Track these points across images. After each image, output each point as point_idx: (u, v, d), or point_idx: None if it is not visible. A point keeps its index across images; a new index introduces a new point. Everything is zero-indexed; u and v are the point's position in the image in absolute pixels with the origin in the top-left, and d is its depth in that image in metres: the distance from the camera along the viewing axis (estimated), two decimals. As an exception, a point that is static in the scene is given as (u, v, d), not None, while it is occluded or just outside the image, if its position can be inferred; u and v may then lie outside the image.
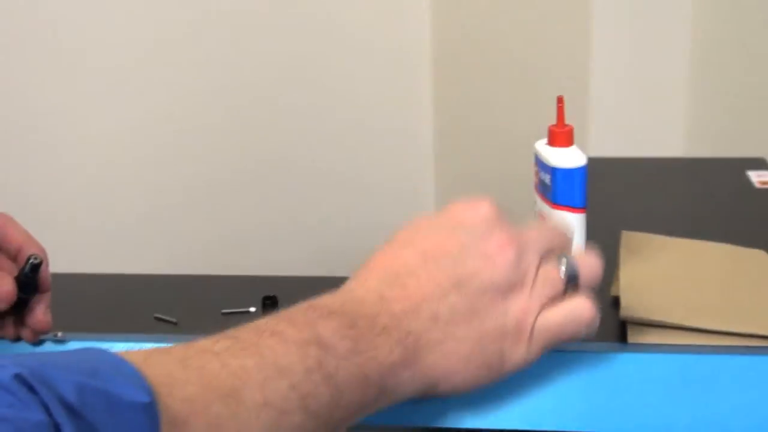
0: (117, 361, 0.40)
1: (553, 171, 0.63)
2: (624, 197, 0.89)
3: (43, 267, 0.58)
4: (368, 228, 1.45)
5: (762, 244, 0.71)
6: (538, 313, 0.50)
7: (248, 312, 0.75)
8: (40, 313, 0.59)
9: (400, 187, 1.60)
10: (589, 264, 0.53)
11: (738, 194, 0.88)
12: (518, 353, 0.50)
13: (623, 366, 0.55)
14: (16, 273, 0.58)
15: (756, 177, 0.92)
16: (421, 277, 0.49)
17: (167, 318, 0.74)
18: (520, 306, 0.50)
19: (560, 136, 0.64)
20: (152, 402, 0.38)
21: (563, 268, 0.51)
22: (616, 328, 0.61)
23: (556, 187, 0.63)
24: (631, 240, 0.73)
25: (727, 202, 0.87)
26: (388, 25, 1.50)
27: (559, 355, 0.54)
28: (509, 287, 0.49)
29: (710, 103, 1.46)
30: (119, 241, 1.53)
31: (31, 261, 0.57)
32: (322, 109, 1.53)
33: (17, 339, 0.60)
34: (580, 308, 0.51)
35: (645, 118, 1.50)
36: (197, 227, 1.54)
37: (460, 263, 0.49)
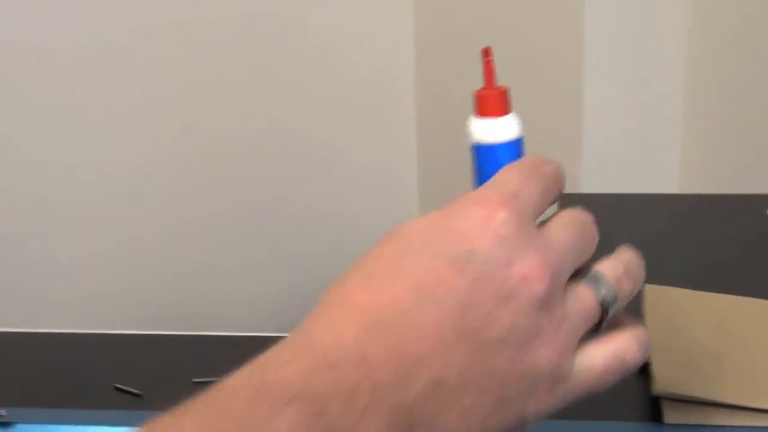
0: None
1: (475, 149, 0.45)
2: (630, 239, 0.80)
3: None
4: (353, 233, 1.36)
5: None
6: (575, 353, 0.39)
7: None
8: None
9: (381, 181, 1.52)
10: (628, 274, 0.42)
11: (763, 236, 0.80)
12: (548, 403, 0.39)
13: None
14: None
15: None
16: (415, 325, 0.37)
17: (129, 389, 0.65)
18: (552, 352, 0.38)
19: (488, 101, 0.46)
20: None
21: (601, 292, 0.40)
22: (646, 405, 0.53)
23: (481, 171, 0.45)
24: (655, 295, 0.65)
25: (753, 245, 0.79)
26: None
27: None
28: (537, 331, 0.38)
29: (709, 136, 1.41)
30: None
31: None
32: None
33: None
34: (626, 343, 0.41)
35: (641, 150, 1.44)
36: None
37: (470, 305, 0.37)
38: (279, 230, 1.53)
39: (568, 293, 0.39)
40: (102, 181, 1.41)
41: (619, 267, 0.42)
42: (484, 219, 0.39)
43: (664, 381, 0.53)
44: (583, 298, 0.40)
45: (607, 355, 0.40)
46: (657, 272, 0.53)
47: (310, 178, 1.48)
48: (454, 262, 0.38)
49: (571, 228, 0.41)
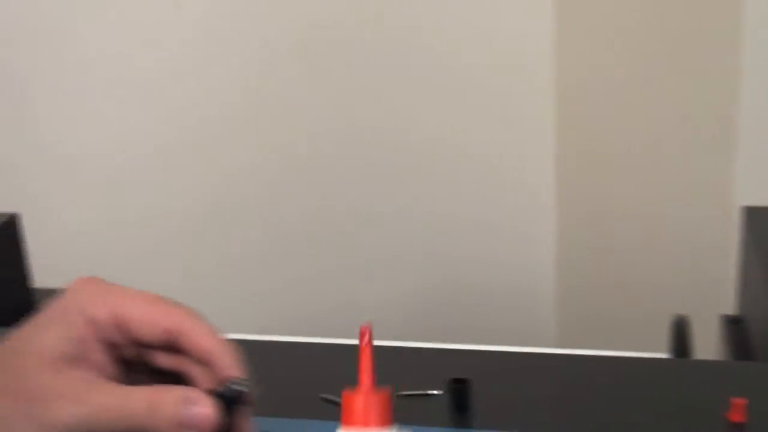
0: None
1: None
2: None
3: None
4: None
5: None
6: None
7: (429, 395, 0.65)
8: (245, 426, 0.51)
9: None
10: None
11: None
12: None
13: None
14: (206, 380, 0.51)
15: None
16: None
17: (336, 399, 0.65)
18: None
19: (360, 407, 0.39)
20: None
21: None
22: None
23: None
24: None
25: None
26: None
27: None
28: None
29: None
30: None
31: (232, 387, 0.48)
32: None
33: None
34: None
35: None
36: None
37: None
38: (412, 232, 1.59)
39: None
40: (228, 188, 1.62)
41: None
42: None
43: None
44: None
45: None
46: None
47: (446, 180, 1.54)
48: None
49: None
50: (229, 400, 0.47)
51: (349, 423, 0.38)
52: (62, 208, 1.76)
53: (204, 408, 0.47)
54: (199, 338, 0.49)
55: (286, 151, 1.64)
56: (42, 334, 0.51)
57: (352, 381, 0.65)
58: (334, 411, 0.65)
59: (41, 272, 1.33)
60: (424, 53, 1.53)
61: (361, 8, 1.53)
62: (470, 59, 1.51)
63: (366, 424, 0.39)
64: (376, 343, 0.69)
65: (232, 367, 0.49)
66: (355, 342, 0.72)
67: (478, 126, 1.56)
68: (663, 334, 1.02)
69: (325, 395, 0.66)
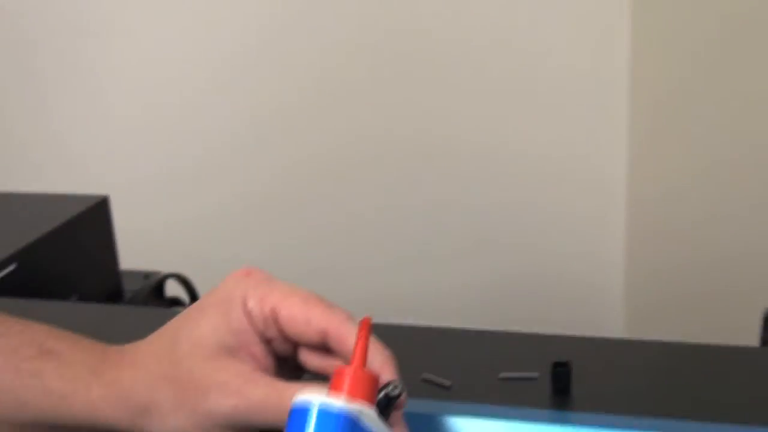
0: None
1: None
2: None
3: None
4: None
5: None
6: None
7: (527, 378, 0.66)
8: (400, 429, 0.51)
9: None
10: None
11: None
12: None
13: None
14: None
15: None
16: None
17: (439, 380, 0.66)
18: None
19: (348, 380, 0.46)
20: None
21: None
22: None
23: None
24: None
25: None
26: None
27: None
28: None
29: None
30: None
31: (387, 392, 0.48)
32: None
33: None
34: None
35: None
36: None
37: None
38: (484, 222, 1.61)
39: None
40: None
41: None
42: None
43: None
44: None
45: None
46: None
47: (519, 179, 1.57)
48: None
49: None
50: (383, 404, 0.48)
51: (335, 389, 0.45)
52: (142, 192, 1.79)
53: None
54: (352, 341, 0.48)
55: (356, 138, 1.66)
56: (201, 323, 0.51)
57: (449, 362, 0.66)
58: (434, 391, 0.66)
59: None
60: (497, 54, 1.55)
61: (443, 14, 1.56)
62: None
63: (350, 395, 0.45)
64: (472, 327, 0.70)
65: (384, 371, 0.49)
66: (441, 325, 0.74)
67: (548, 116, 1.56)
68: (745, 325, 1.01)
69: (426, 376, 0.67)
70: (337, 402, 0.44)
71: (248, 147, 1.74)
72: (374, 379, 0.46)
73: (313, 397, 0.44)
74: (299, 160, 1.71)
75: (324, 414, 0.43)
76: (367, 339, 0.47)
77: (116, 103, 1.80)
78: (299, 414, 0.44)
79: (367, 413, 0.45)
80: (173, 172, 1.79)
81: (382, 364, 0.49)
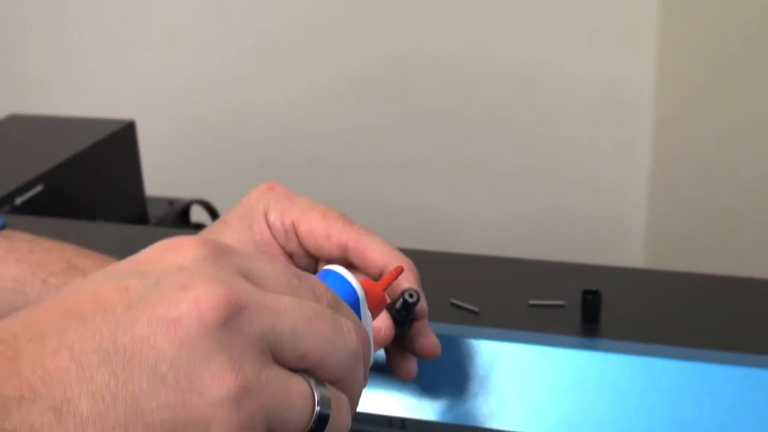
0: None
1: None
2: None
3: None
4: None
5: None
6: None
7: (556, 305, 0.66)
8: (425, 338, 0.51)
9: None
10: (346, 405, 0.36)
11: None
12: None
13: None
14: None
15: None
16: (49, 344, 0.30)
17: (467, 305, 0.66)
18: (226, 416, 0.31)
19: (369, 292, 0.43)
20: None
21: (318, 393, 0.34)
22: None
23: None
24: None
25: None
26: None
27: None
28: (208, 376, 0.31)
29: None
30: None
31: (404, 298, 0.48)
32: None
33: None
34: None
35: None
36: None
37: (125, 325, 0.31)
38: (512, 159, 1.62)
39: (273, 367, 0.33)
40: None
41: (343, 400, 0.36)
42: (171, 247, 0.34)
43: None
44: (295, 385, 0.33)
45: None
46: None
47: (543, 179, 1.60)
48: (121, 282, 0.33)
49: (294, 296, 0.35)
50: (403, 312, 0.48)
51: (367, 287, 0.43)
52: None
53: (378, 320, 0.47)
54: (372, 253, 0.50)
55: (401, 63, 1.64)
56: (226, 234, 0.52)
57: (478, 289, 0.66)
58: (463, 316, 0.66)
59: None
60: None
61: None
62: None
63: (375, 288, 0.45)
64: (501, 255, 0.69)
65: (405, 280, 0.49)
66: (469, 253, 0.73)
67: (576, 39, 1.54)
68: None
69: (455, 301, 0.67)
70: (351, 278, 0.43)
71: (271, 72, 1.72)
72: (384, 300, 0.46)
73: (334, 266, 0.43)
74: (323, 83, 1.70)
75: (338, 276, 0.41)
76: (394, 279, 0.47)
77: (144, 29, 1.78)
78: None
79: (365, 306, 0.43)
80: (198, 99, 1.78)
81: (404, 270, 0.49)
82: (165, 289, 0.32)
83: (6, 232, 0.64)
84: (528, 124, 1.60)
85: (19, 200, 0.97)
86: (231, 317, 0.31)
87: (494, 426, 0.58)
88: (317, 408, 0.34)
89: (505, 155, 1.63)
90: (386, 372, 0.59)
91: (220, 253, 0.34)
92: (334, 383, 0.35)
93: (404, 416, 0.59)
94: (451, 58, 1.60)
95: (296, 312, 0.33)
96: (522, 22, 1.55)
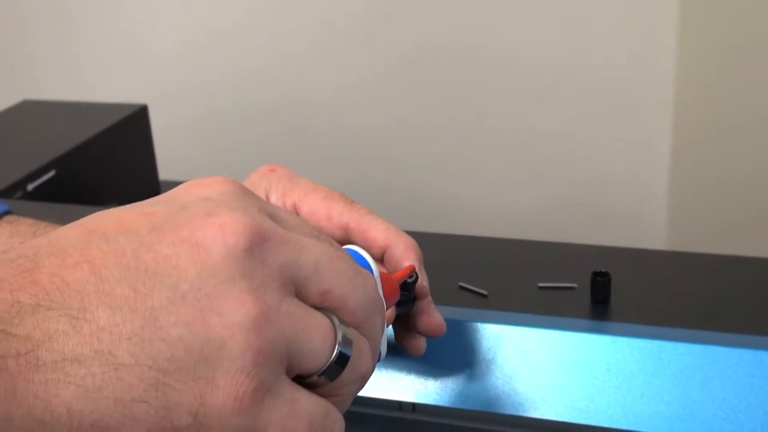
0: None
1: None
2: None
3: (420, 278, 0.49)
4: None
5: None
6: (281, 372, 0.32)
7: (566, 287, 0.65)
8: (429, 317, 0.51)
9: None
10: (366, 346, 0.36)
11: None
12: (224, 405, 0.30)
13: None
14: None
15: None
16: (71, 257, 0.31)
17: (476, 289, 0.65)
18: (247, 340, 0.30)
19: (385, 282, 0.45)
20: None
21: (341, 331, 0.34)
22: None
23: None
24: None
25: None
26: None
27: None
28: (229, 299, 0.31)
29: None
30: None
31: (404, 279, 0.48)
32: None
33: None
34: (333, 418, 0.34)
35: None
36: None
37: (148, 245, 0.31)
38: (534, 150, 1.62)
39: (294, 299, 0.33)
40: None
41: (364, 342, 0.35)
42: (199, 183, 0.35)
43: None
44: (317, 319, 0.33)
45: (307, 418, 0.32)
46: None
47: (564, 169, 1.60)
48: (146, 208, 0.33)
49: (317, 239, 0.36)
50: (403, 292, 0.47)
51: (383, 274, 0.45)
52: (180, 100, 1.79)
53: None
54: (374, 233, 0.50)
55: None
56: None
57: (486, 271, 0.66)
58: (471, 299, 0.65)
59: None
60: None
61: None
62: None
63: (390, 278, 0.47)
64: (510, 237, 0.69)
65: (405, 258, 0.49)
66: (482, 236, 0.72)
67: (596, 37, 1.53)
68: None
69: (463, 284, 0.66)
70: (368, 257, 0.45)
71: (291, 63, 1.72)
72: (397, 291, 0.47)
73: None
74: (349, 80, 1.69)
75: (357, 255, 0.44)
76: (406, 276, 0.48)
77: (163, 16, 1.78)
78: None
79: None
80: (212, 84, 1.78)
81: (405, 249, 0.50)
82: (190, 215, 0.32)
83: (11, 218, 0.64)
84: (555, 111, 1.60)
85: (31, 186, 0.98)
86: (255, 245, 0.32)
87: (504, 410, 0.58)
88: (338, 347, 0.34)
89: (531, 146, 1.62)
90: (396, 356, 0.59)
91: (248, 192, 0.35)
92: (356, 327, 0.35)
93: (414, 401, 0.59)
94: (478, 56, 1.60)
95: (319, 250, 0.34)
96: (550, 20, 1.55)
